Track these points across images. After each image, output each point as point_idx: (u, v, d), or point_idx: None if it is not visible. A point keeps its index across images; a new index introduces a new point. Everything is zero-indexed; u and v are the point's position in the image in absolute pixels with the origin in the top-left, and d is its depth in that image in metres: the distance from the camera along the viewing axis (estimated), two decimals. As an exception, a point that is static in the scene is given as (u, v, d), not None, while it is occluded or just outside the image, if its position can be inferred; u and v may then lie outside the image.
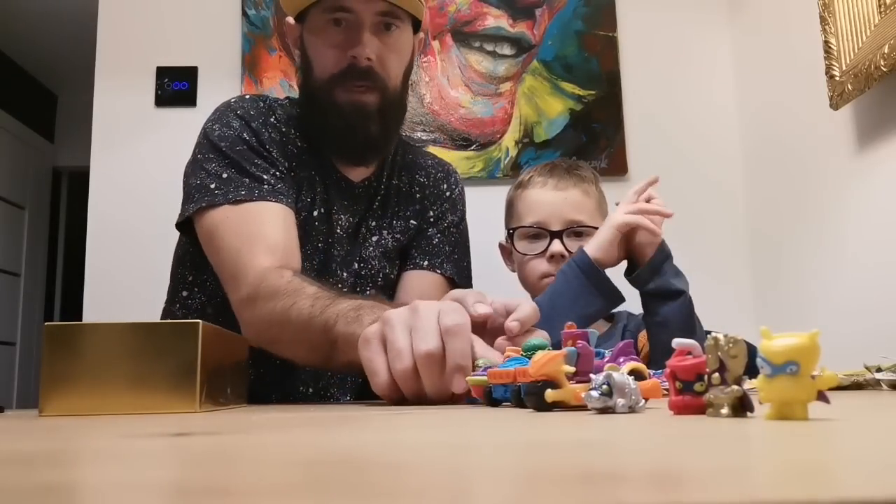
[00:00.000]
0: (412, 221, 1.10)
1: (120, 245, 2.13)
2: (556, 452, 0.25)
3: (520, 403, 0.50)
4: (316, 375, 1.04)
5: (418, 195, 1.11)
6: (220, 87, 2.14)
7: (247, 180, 0.94)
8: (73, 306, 3.33)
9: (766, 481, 0.18)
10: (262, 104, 1.04)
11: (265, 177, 0.95)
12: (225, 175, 0.94)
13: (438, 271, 1.10)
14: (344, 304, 0.76)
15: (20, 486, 0.19)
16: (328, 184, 1.03)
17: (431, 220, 1.11)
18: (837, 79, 1.59)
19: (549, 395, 0.45)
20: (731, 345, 0.36)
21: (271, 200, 0.93)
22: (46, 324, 0.56)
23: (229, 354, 0.67)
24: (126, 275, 2.07)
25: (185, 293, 1.05)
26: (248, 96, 1.07)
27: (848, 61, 1.56)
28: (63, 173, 4.19)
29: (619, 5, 2.28)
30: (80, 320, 2.03)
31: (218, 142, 0.97)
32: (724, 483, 0.17)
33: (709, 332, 0.38)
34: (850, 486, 0.17)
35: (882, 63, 1.42)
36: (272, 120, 1.02)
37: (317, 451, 0.27)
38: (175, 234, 1.10)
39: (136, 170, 2.16)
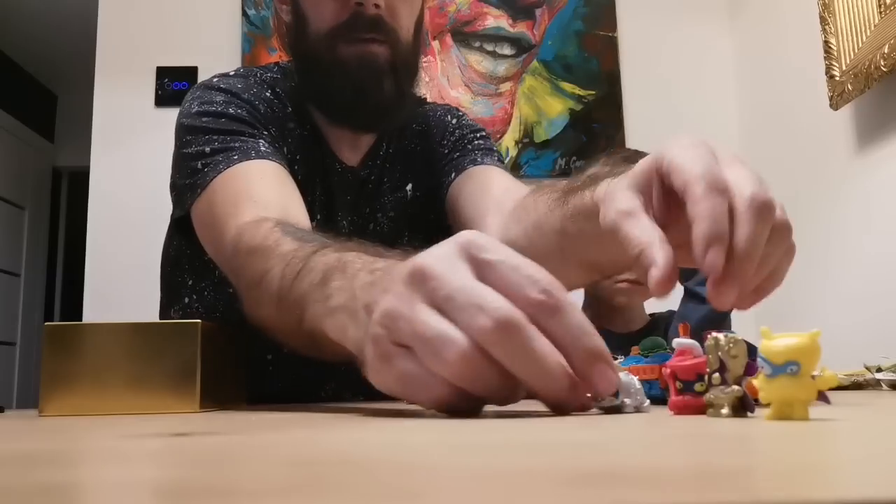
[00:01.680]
0: (409, 187, 0.92)
1: (120, 245, 2.13)
2: (557, 452, 0.25)
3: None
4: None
5: (419, 148, 0.93)
6: (220, 87, 2.15)
7: (236, 145, 0.77)
8: (73, 306, 3.33)
9: (766, 481, 0.18)
10: (252, 79, 0.86)
11: (261, 142, 0.79)
12: (209, 149, 0.77)
13: (480, 162, 0.89)
14: (316, 266, 0.52)
15: (20, 486, 0.19)
16: (331, 182, 0.88)
17: (446, 152, 0.93)
18: (837, 79, 1.59)
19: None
20: (731, 345, 0.36)
21: (266, 160, 0.76)
22: (46, 324, 0.57)
23: (229, 354, 0.67)
24: (126, 275, 2.07)
25: (186, 300, 0.91)
26: (231, 72, 0.89)
27: (848, 61, 1.56)
28: (63, 173, 4.20)
29: (619, 5, 2.28)
30: (80, 320, 2.03)
31: (196, 121, 0.80)
32: (723, 483, 0.17)
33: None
34: (850, 486, 0.17)
35: (882, 63, 1.42)
36: (268, 94, 0.85)
37: (317, 451, 0.27)
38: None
39: (136, 170, 2.16)
